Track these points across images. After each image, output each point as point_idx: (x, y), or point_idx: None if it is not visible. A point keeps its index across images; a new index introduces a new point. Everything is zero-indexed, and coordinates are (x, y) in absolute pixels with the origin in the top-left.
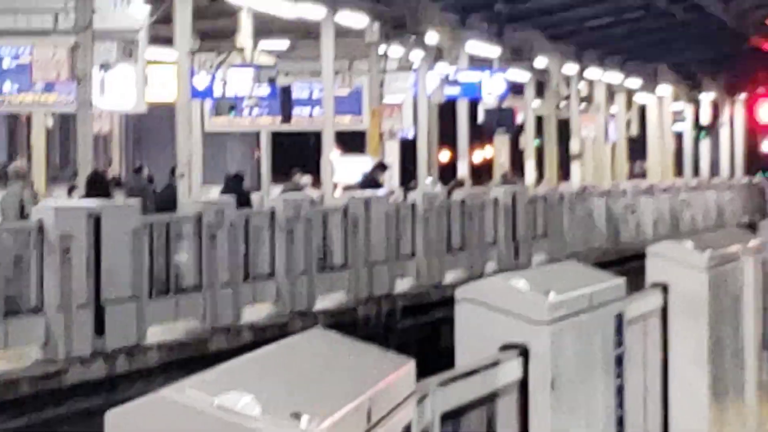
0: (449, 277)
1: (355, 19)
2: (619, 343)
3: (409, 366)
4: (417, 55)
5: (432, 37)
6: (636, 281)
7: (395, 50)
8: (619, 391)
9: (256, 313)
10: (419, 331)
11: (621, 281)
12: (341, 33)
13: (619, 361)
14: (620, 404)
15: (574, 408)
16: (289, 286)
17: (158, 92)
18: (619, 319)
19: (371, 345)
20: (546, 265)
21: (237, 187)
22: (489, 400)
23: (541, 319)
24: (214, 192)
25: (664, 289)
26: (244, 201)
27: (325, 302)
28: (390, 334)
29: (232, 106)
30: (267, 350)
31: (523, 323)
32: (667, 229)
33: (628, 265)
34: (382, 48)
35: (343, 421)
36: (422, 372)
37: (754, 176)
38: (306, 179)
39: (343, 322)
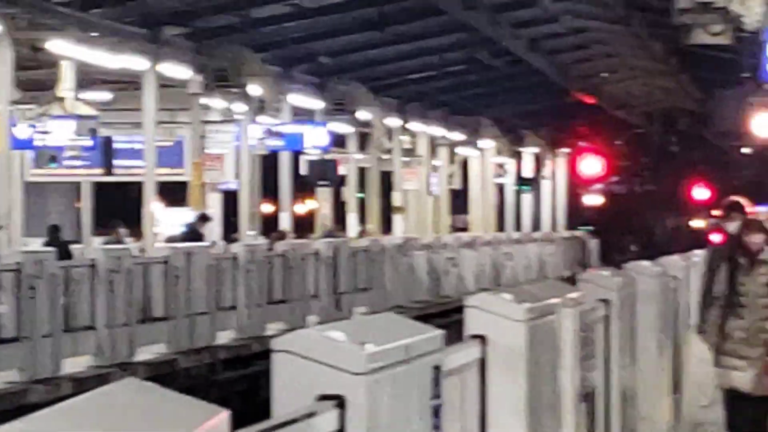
0: (271, 329)
1: (177, 70)
2: (437, 394)
3: (223, 416)
4: (239, 107)
5: (254, 89)
6: (457, 333)
7: (218, 102)
8: None
9: (76, 364)
10: (240, 383)
11: (439, 333)
12: (163, 84)
13: (437, 412)
14: None
15: None
16: (109, 337)
17: None
18: (437, 370)
19: (185, 395)
20: (363, 317)
21: (54, 239)
22: None
23: (358, 371)
24: (35, 243)
25: (483, 340)
26: (62, 253)
27: (146, 354)
28: (211, 386)
29: (53, 156)
30: (78, 400)
31: (340, 374)
32: (488, 281)
33: (450, 317)
34: (204, 99)
35: None
36: (243, 424)
37: (575, 230)
38: (124, 231)
39: (163, 373)
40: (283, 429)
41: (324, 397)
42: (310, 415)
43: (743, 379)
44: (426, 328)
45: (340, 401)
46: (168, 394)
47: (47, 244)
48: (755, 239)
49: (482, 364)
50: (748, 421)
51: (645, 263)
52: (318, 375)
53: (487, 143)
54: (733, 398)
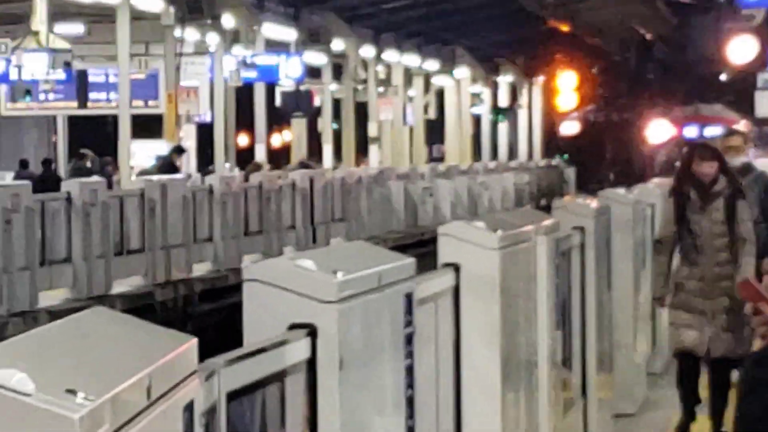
0: (247, 261)
1: (150, 2)
2: (409, 322)
3: (191, 344)
4: (213, 39)
5: (228, 21)
6: (433, 263)
7: (192, 33)
8: (409, 371)
9: (53, 298)
10: (217, 315)
11: (411, 261)
12: (137, 16)
13: (409, 340)
14: (410, 384)
15: (363, 388)
16: (86, 270)
17: None
18: (409, 298)
19: (153, 324)
20: (334, 246)
21: (47, 172)
22: (277, 379)
23: (329, 299)
24: (9, 177)
25: (457, 269)
26: (55, 186)
27: (122, 287)
28: (187, 319)
29: (28, 90)
30: (45, 329)
31: (311, 303)
32: (464, 211)
33: (427, 247)
34: (178, 31)
35: (120, 398)
36: (218, 354)
37: (552, 159)
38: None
39: (140, 306)
40: (254, 358)
41: (295, 326)
42: (282, 343)
43: (697, 339)
44: (398, 256)
45: (311, 330)
46: (136, 323)
47: (40, 178)
48: (707, 169)
49: (456, 292)
50: (695, 383)
51: (620, 191)
52: (289, 304)
53: (463, 73)
54: (687, 362)
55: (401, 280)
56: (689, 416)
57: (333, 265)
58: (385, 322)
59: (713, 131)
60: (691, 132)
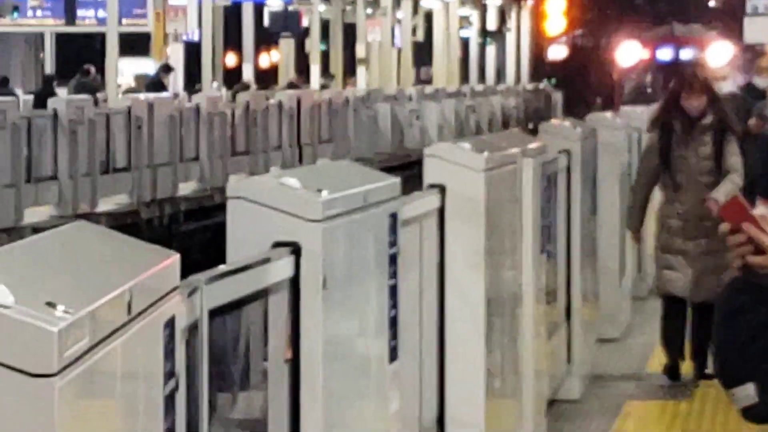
0: (233, 180)
1: None
2: (394, 243)
3: (174, 260)
4: None
5: None
6: (420, 186)
7: None
8: (393, 291)
9: (38, 215)
10: (202, 235)
11: (396, 181)
12: None
13: (393, 261)
14: (394, 305)
15: (346, 307)
16: (71, 188)
17: None
18: (394, 218)
19: (135, 239)
20: (319, 165)
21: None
22: (260, 297)
23: (313, 218)
24: None
25: (442, 190)
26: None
27: (108, 204)
28: (173, 237)
29: (16, 6)
30: (27, 242)
31: (296, 221)
32: (452, 134)
33: (413, 170)
34: None
35: (100, 312)
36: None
37: (539, 83)
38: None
39: (126, 224)
40: (237, 275)
41: (279, 244)
42: (265, 261)
43: (679, 281)
44: (383, 175)
45: (295, 248)
46: (119, 238)
47: (41, 95)
48: (695, 103)
49: (441, 213)
50: (681, 325)
51: (607, 114)
52: (273, 222)
53: None
54: (671, 304)
55: (386, 200)
56: (675, 356)
57: (318, 183)
58: (369, 241)
59: (689, 53)
60: (664, 54)
